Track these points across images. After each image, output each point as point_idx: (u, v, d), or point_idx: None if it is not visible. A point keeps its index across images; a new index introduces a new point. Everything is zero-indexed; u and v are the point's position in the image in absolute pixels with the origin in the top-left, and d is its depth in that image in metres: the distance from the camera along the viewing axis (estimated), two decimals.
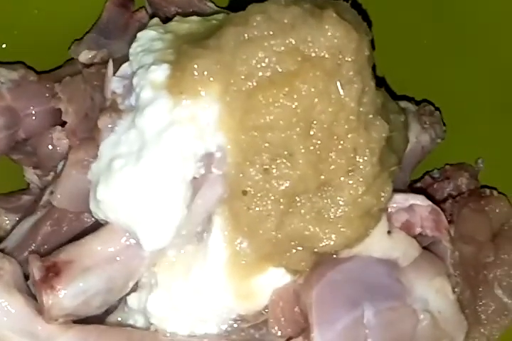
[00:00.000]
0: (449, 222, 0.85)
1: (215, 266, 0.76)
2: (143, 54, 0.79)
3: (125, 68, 0.81)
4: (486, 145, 0.99)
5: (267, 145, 0.73)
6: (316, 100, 0.72)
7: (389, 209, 0.80)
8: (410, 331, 0.78)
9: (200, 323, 0.78)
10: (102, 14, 1.04)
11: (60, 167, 0.88)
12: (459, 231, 0.88)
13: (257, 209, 0.74)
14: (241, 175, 0.74)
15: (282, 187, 0.73)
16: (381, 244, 0.78)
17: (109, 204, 0.74)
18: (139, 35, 0.82)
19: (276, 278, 0.77)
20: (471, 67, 0.99)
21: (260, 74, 0.72)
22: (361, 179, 0.74)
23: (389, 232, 0.79)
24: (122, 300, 0.79)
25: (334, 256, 0.77)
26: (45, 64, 1.01)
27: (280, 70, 0.72)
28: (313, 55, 0.72)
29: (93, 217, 0.79)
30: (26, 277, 0.78)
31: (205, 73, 0.73)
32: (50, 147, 0.92)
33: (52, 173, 0.92)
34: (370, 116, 0.75)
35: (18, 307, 0.74)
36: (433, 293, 0.80)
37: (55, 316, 0.73)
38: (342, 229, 0.74)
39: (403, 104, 0.95)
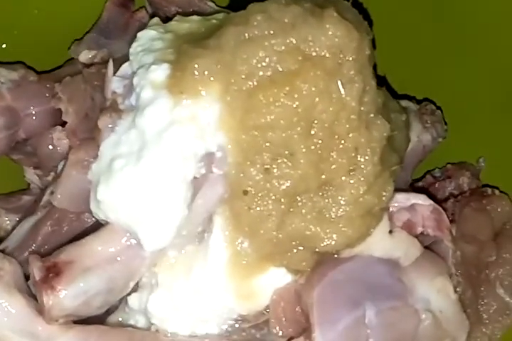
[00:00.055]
0: (451, 221, 0.85)
1: (216, 266, 0.76)
2: (143, 54, 0.79)
3: (125, 68, 0.81)
4: (487, 144, 0.99)
5: (267, 144, 0.73)
6: (317, 99, 0.72)
7: (390, 209, 0.79)
8: (412, 331, 0.77)
9: (201, 323, 0.78)
10: (102, 14, 1.04)
11: (60, 167, 0.88)
12: (460, 231, 0.88)
13: (258, 209, 0.74)
14: (242, 174, 0.73)
15: (283, 187, 0.73)
16: (382, 243, 0.78)
17: (109, 205, 0.74)
18: (139, 34, 0.82)
19: (277, 278, 0.77)
20: (472, 66, 0.99)
21: (261, 73, 0.72)
22: (362, 178, 0.74)
23: (390, 232, 0.78)
24: (123, 300, 0.79)
25: (335, 255, 0.77)
26: (45, 64, 1.01)
27: (281, 70, 0.72)
28: (314, 54, 0.72)
29: (93, 217, 0.79)
30: (27, 277, 0.78)
31: (206, 73, 0.73)
32: (50, 147, 0.92)
33: (52, 173, 0.92)
34: (371, 115, 0.75)
35: (19, 307, 0.74)
36: (435, 293, 0.79)
37: (55, 316, 0.73)
38: (343, 229, 0.74)
39: (404, 103, 0.95)
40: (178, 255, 0.77)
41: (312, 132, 0.73)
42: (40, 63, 1.00)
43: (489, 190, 0.93)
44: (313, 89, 0.72)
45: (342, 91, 0.73)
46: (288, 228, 0.74)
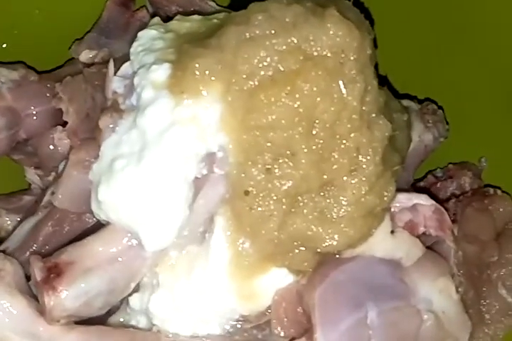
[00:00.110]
0: (453, 221, 0.85)
1: (218, 267, 0.76)
2: (144, 53, 0.79)
3: (126, 68, 0.81)
4: (489, 144, 0.99)
5: (269, 144, 0.73)
6: (319, 99, 0.72)
7: (392, 209, 0.79)
8: (414, 331, 0.77)
9: (202, 324, 0.78)
10: (103, 13, 1.03)
11: (61, 167, 0.88)
12: (462, 231, 0.88)
13: (260, 209, 0.73)
14: (243, 175, 0.73)
15: (285, 187, 0.73)
16: (384, 243, 0.78)
17: (110, 205, 0.74)
18: (139, 34, 0.82)
19: (278, 279, 0.76)
20: (474, 65, 0.99)
21: (262, 73, 0.72)
22: (364, 178, 0.74)
23: (392, 232, 0.78)
24: (124, 300, 0.79)
25: (337, 256, 0.77)
26: (46, 64, 1.01)
27: (282, 69, 0.72)
28: (315, 53, 0.72)
29: (94, 217, 0.79)
30: (28, 278, 0.77)
31: (207, 72, 0.73)
32: (51, 147, 0.92)
33: (53, 174, 0.92)
34: (373, 115, 0.74)
35: (20, 308, 0.74)
36: (437, 293, 0.79)
37: (56, 317, 0.73)
38: (345, 229, 0.74)
39: (406, 102, 0.95)
40: (180, 255, 0.77)
41: (313, 132, 0.73)
42: (40, 63, 1.00)
43: (491, 190, 0.93)
44: (315, 88, 0.72)
45: (343, 91, 0.72)
46: (289, 228, 0.74)
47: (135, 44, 0.81)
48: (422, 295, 0.79)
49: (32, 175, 0.96)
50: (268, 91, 0.72)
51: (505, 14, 0.94)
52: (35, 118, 0.93)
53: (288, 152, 0.73)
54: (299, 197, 0.74)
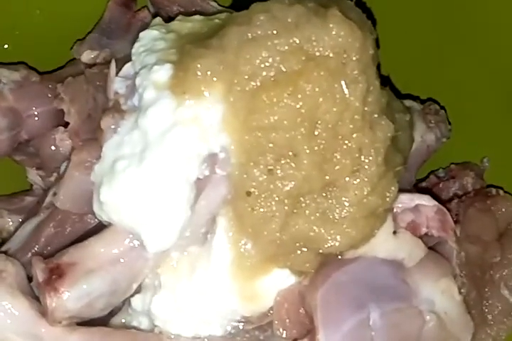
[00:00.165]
0: (455, 221, 0.84)
1: (220, 268, 0.75)
2: (145, 54, 0.79)
3: (128, 68, 0.81)
4: (491, 144, 0.98)
5: (271, 145, 0.73)
6: (321, 100, 0.72)
7: (394, 210, 0.79)
8: (416, 332, 0.77)
9: (204, 325, 0.78)
10: (104, 14, 1.03)
11: (62, 168, 0.88)
12: (464, 231, 0.87)
13: (262, 210, 0.73)
14: (245, 175, 0.73)
15: (287, 188, 0.73)
16: (386, 244, 0.78)
17: (112, 206, 0.74)
18: (141, 34, 0.82)
19: (281, 280, 0.76)
20: (476, 65, 0.99)
21: (264, 73, 0.72)
22: (366, 179, 0.74)
23: (394, 233, 0.78)
24: (126, 301, 0.79)
25: (339, 257, 0.77)
26: (48, 64, 1.01)
27: (284, 70, 0.72)
28: (317, 54, 0.72)
29: (96, 218, 0.79)
30: (30, 279, 0.77)
31: (209, 73, 0.73)
32: (52, 148, 0.91)
33: (55, 174, 0.92)
34: (375, 115, 0.74)
35: (22, 309, 0.74)
36: (439, 294, 0.79)
37: (58, 318, 0.73)
38: (347, 230, 0.74)
39: (408, 103, 0.95)
40: (181, 256, 0.77)
41: (316, 133, 0.73)
42: (42, 63, 1.00)
43: (493, 191, 0.93)
44: (317, 89, 0.72)
45: (346, 91, 0.72)
46: (291, 229, 0.74)
47: (137, 44, 0.81)
48: (424, 296, 0.78)
49: (34, 176, 0.96)
50: (270, 91, 0.72)
51: (507, 15, 0.94)
52: (36, 119, 0.93)
53: (290, 153, 0.73)
54: (301, 198, 0.74)
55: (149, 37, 0.81)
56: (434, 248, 0.82)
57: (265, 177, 0.73)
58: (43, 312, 0.74)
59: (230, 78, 0.73)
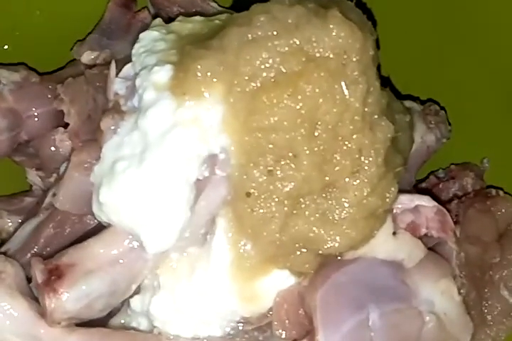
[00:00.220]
0: (455, 222, 0.84)
1: (219, 268, 0.75)
2: (145, 55, 0.79)
3: (128, 69, 0.81)
4: (491, 145, 0.98)
5: (271, 146, 0.73)
6: (321, 101, 0.72)
7: (394, 210, 0.79)
8: (416, 333, 0.77)
9: (203, 326, 0.78)
10: (104, 15, 1.03)
11: (62, 169, 0.88)
12: (464, 232, 0.87)
13: (261, 211, 0.73)
14: (245, 176, 0.73)
15: (286, 189, 0.73)
16: (386, 245, 0.78)
17: (111, 207, 0.74)
18: (141, 35, 0.82)
19: (280, 280, 0.76)
20: (476, 66, 0.99)
21: (264, 74, 0.72)
22: (366, 180, 0.73)
23: (394, 233, 0.78)
24: (125, 302, 0.79)
25: (339, 257, 0.76)
26: (47, 65, 1.00)
27: (284, 71, 0.72)
28: (317, 55, 0.72)
29: (96, 219, 0.79)
30: (29, 280, 0.77)
31: (209, 74, 0.73)
32: (52, 149, 0.91)
33: (54, 175, 0.92)
34: (375, 116, 0.74)
35: (21, 310, 0.74)
36: (439, 295, 0.79)
37: (57, 319, 0.73)
38: (347, 231, 0.74)
39: (408, 103, 0.95)
40: (181, 257, 0.77)
41: (316, 134, 0.73)
42: (42, 64, 1.00)
43: (493, 191, 0.93)
44: (317, 90, 0.72)
45: (346, 92, 0.72)
46: (291, 230, 0.74)
47: (137, 45, 0.81)
48: (423, 297, 0.78)
49: (33, 177, 0.96)
50: (270, 92, 0.72)
51: (507, 15, 0.94)
52: (36, 119, 0.93)
53: (290, 154, 0.73)
54: (301, 199, 0.74)
55: (149, 38, 0.81)
56: (433, 248, 0.82)
57: (265, 178, 0.73)
58: (42, 313, 0.74)
59: (230, 79, 0.73)
